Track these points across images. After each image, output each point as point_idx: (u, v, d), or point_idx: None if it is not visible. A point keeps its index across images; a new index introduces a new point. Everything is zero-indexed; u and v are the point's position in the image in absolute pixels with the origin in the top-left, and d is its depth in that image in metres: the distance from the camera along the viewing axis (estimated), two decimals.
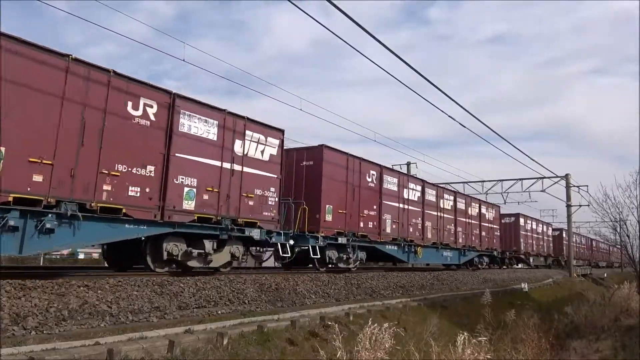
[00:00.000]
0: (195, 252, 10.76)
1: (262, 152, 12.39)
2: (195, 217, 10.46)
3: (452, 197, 23.99)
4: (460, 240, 24.02)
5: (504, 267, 31.97)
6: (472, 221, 25.88)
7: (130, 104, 9.37)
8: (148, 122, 9.65)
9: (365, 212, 16.50)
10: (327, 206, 14.75)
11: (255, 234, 12.02)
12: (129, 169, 9.27)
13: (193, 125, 10.65)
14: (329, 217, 14.75)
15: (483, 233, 27.03)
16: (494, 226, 29.17)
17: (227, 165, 11.31)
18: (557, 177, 34.55)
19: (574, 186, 35.12)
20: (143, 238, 10.16)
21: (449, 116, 13.35)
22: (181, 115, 10.35)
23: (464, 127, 15.09)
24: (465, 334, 7.47)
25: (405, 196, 19.42)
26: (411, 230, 19.46)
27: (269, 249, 13.31)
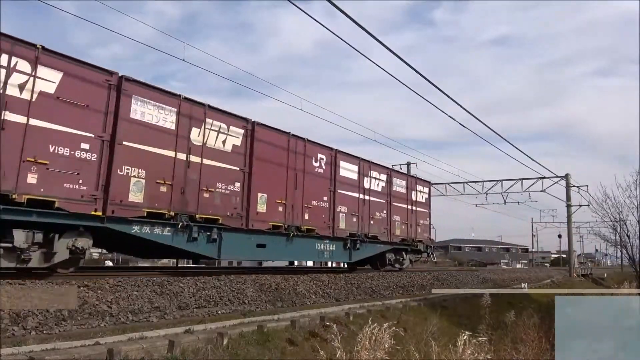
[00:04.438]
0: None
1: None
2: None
3: None
4: None
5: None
6: None
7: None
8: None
9: None
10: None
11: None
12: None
13: None
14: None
15: None
16: None
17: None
18: (557, 177, 34.53)
19: (574, 186, 35.10)
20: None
21: (450, 116, 13.39)
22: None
23: (465, 127, 15.13)
24: (467, 333, 7.44)
25: None
26: None
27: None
